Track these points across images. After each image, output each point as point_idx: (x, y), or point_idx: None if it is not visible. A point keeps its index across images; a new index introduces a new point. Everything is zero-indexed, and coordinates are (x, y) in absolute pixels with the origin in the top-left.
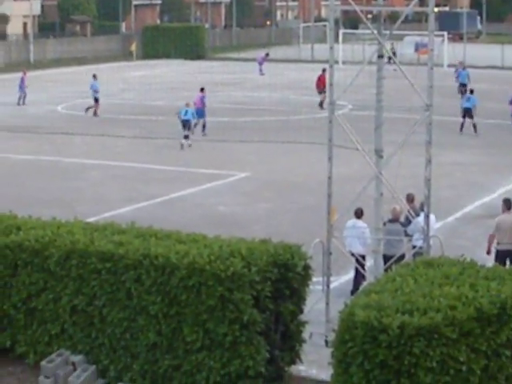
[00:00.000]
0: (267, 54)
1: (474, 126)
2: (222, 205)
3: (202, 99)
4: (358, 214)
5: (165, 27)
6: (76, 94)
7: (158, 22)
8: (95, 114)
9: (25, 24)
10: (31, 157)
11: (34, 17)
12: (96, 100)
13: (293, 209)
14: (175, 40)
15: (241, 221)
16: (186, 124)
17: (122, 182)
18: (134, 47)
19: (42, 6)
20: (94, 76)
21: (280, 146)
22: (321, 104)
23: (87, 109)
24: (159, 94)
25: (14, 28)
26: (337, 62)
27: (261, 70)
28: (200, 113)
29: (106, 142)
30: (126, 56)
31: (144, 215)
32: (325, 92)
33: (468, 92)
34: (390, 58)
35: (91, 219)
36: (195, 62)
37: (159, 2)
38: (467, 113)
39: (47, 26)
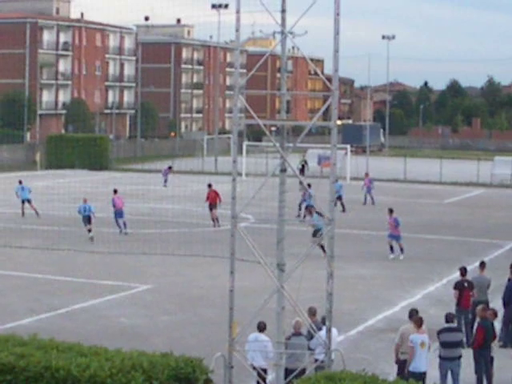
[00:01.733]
0: (170, 168)
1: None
2: (124, 317)
3: (122, 200)
4: (261, 327)
5: (69, 137)
6: None
7: (63, 131)
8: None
9: None
10: None
11: None
12: (28, 201)
13: (195, 322)
14: (79, 150)
15: (142, 333)
16: (88, 219)
17: (24, 292)
18: (38, 157)
19: None
20: (20, 181)
21: (183, 259)
22: (215, 220)
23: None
24: (62, 205)
25: None
26: (240, 175)
27: (165, 182)
28: (121, 213)
29: (8, 252)
30: (30, 165)
31: (46, 327)
32: (213, 209)
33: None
34: (302, 168)
35: None
36: (99, 172)
37: (64, 111)
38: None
39: None
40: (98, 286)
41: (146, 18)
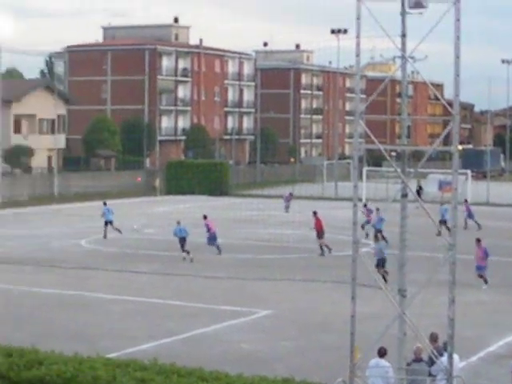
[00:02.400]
0: (291, 194)
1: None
2: (245, 342)
3: (213, 225)
4: (382, 352)
5: (189, 163)
6: (99, 228)
7: (183, 157)
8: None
9: (49, 157)
10: (55, 290)
11: (58, 150)
12: (110, 223)
13: (316, 347)
14: (199, 176)
15: (263, 358)
16: (183, 240)
17: (143, 317)
18: (157, 182)
19: (67, 140)
20: (105, 203)
21: (303, 284)
22: (321, 248)
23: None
24: None
25: (38, 161)
26: (360, 200)
27: (287, 208)
28: (214, 237)
29: (128, 277)
30: (150, 191)
31: (166, 352)
32: (320, 238)
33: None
34: (417, 193)
35: (113, 355)
36: (219, 198)
37: (183, 137)
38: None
39: (72, 160)
40: (217, 311)
41: (265, 44)
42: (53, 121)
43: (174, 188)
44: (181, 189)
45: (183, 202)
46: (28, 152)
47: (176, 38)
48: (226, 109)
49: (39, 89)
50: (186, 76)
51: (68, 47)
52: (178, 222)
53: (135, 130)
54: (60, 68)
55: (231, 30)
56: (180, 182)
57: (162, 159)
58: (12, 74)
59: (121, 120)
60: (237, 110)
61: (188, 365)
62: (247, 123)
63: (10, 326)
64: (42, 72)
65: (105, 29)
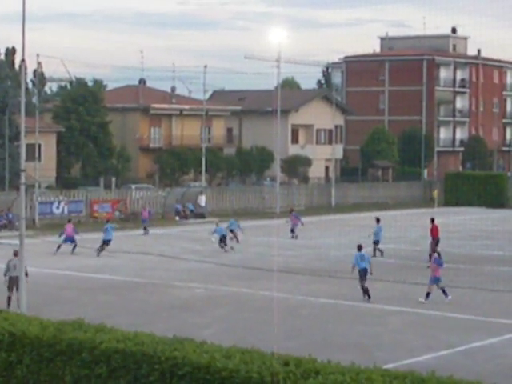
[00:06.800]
0: None
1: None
2: None
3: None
4: None
5: (467, 174)
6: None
7: (461, 168)
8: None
9: (327, 168)
10: (331, 301)
11: (336, 161)
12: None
13: None
14: (477, 188)
15: None
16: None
17: (420, 329)
18: (435, 194)
19: (344, 150)
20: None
21: None
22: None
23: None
24: (459, 242)
25: (315, 171)
26: None
27: None
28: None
29: (406, 289)
30: (428, 202)
31: (444, 364)
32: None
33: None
34: None
35: (390, 366)
36: (496, 210)
37: (462, 149)
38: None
39: (349, 171)
40: (496, 324)
41: None
42: (330, 131)
43: (452, 199)
44: (458, 200)
45: (460, 213)
46: (305, 162)
47: (454, 48)
48: (504, 120)
49: (316, 99)
50: (463, 87)
51: (345, 57)
52: None
53: (413, 140)
54: (337, 78)
55: (510, 40)
56: (458, 193)
57: (440, 170)
58: (289, 85)
59: (398, 131)
60: None
61: (465, 377)
62: None
63: (285, 335)
64: (319, 82)
65: (382, 39)
